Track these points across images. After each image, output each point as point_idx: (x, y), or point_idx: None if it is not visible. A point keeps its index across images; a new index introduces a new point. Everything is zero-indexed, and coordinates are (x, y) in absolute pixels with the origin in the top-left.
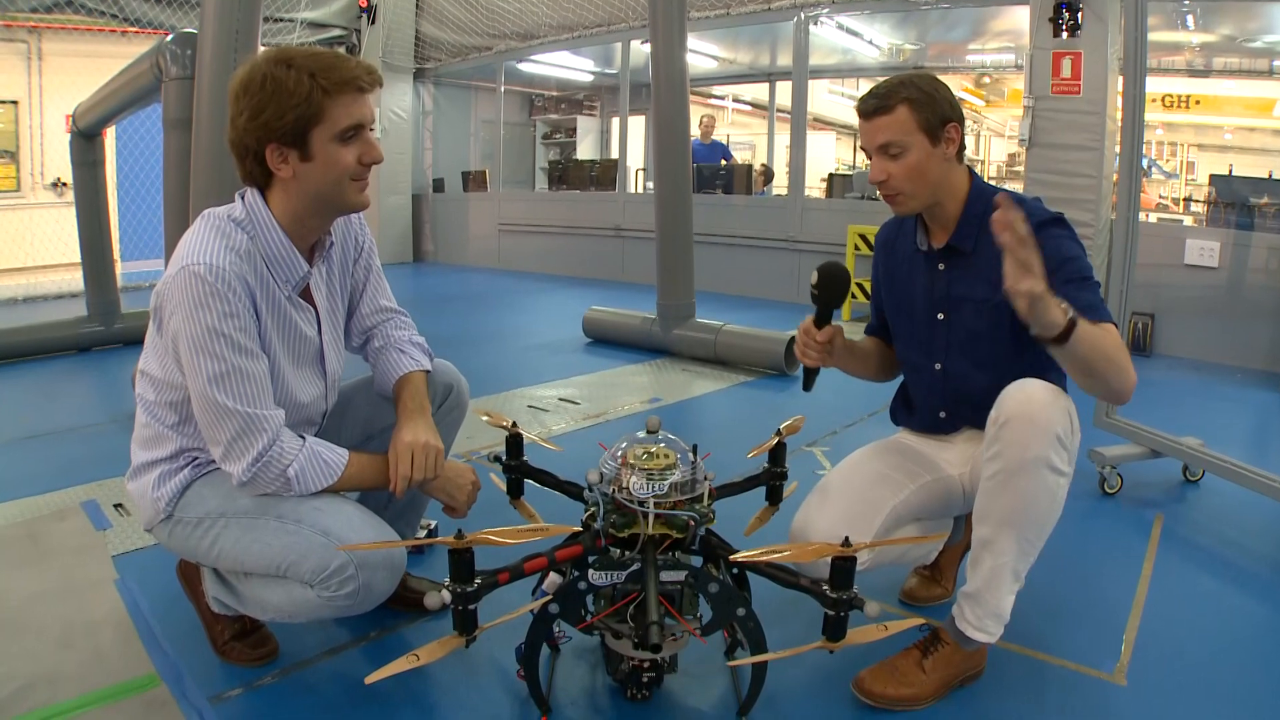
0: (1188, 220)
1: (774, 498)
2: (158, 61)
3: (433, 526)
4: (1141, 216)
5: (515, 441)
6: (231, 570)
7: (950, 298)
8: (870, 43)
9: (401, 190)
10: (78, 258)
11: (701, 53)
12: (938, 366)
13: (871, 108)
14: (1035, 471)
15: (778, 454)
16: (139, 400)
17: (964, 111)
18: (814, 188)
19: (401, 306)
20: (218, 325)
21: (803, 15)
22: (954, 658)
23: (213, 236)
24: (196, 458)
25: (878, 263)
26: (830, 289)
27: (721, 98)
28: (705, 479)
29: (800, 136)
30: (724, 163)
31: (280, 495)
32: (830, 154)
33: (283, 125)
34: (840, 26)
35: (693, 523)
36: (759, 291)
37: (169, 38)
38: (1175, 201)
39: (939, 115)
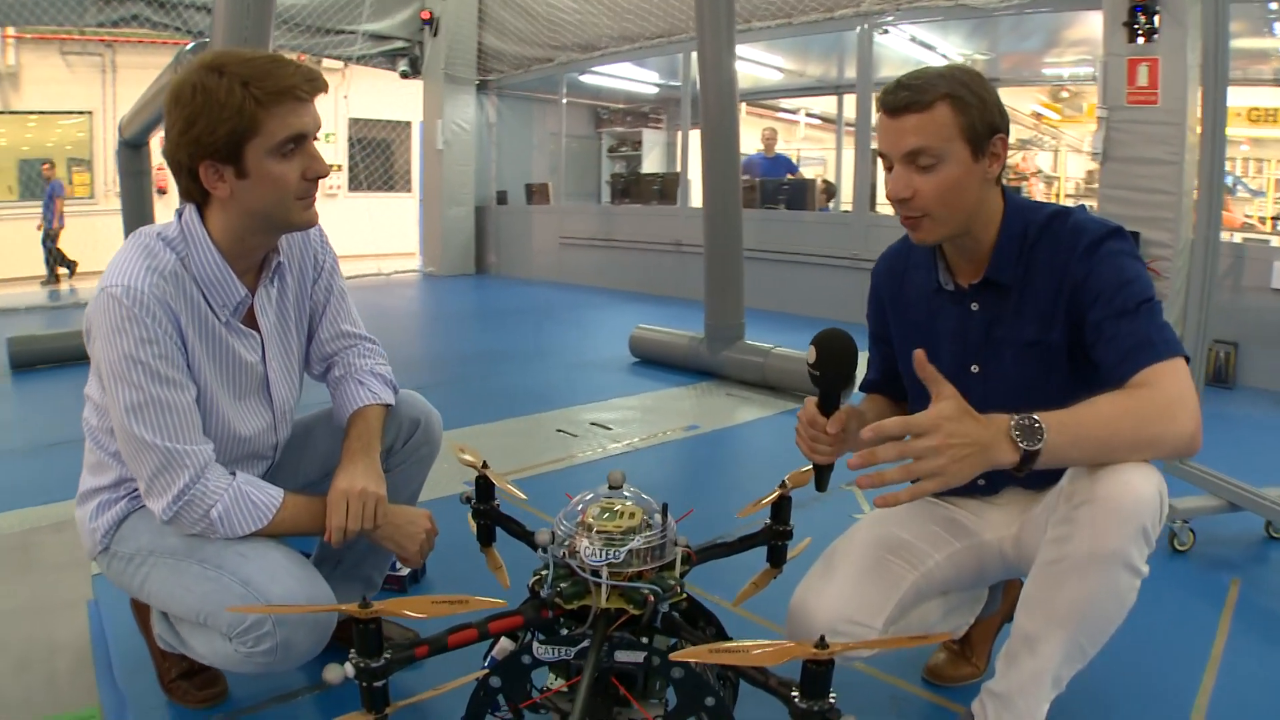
0: (1275, 241)
1: (776, 559)
2: (176, 71)
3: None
4: (1225, 236)
5: (485, 484)
6: (162, 611)
7: (989, 344)
8: (943, 56)
9: (464, 202)
10: None
11: (767, 64)
12: None
13: (902, 101)
14: (1108, 569)
15: (781, 509)
16: (84, 425)
17: (1010, 121)
18: (883, 204)
19: (464, 317)
20: (134, 352)
21: (866, 25)
22: None
23: (136, 257)
24: (136, 489)
25: (880, 303)
26: (834, 365)
27: (794, 112)
28: (677, 544)
29: (866, 151)
30: (789, 177)
31: (208, 536)
32: None
33: (214, 140)
34: (914, 39)
35: (652, 598)
36: (822, 311)
37: (188, 47)
38: (1262, 220)
39: (987, 122)
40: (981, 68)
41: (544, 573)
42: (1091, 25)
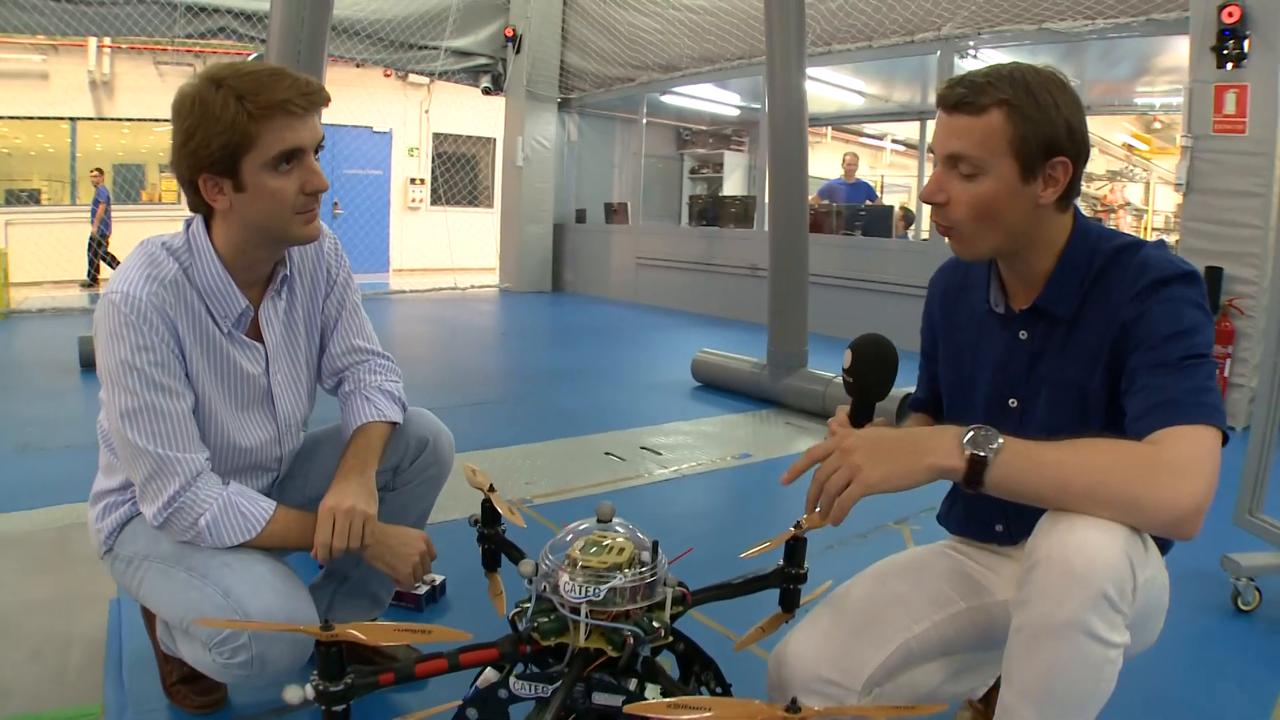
0: None
1: (789, 603)
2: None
3: (437, 582)
4: None
5: (490, 508)
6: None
7: (1031, 378)
8: None
9: (543, 220)
10: None
11: (848, 88)
12: None
13: (954, 99)
14: (1067, 640)
15: (795, 551)
16: (98, 428)
17: (1089, 141)
18: None
19: (534, 334)
20: (130, 358)
21: (946, 49)
22: None
23: (140, 265)
24: None
25: (932, 317)
26: (869, 373)
27: (879, 138)
28: (666, 583)
29: None
30: (867, 203)
31: (198, 544)
32: None
33: (210, 154)
34: None
35: (631, 640)
36: (896, 341)
37: (250, 58)
38: None
39: (1044, 139)
40: None
41: (525, 605)
42: (1183, 53)
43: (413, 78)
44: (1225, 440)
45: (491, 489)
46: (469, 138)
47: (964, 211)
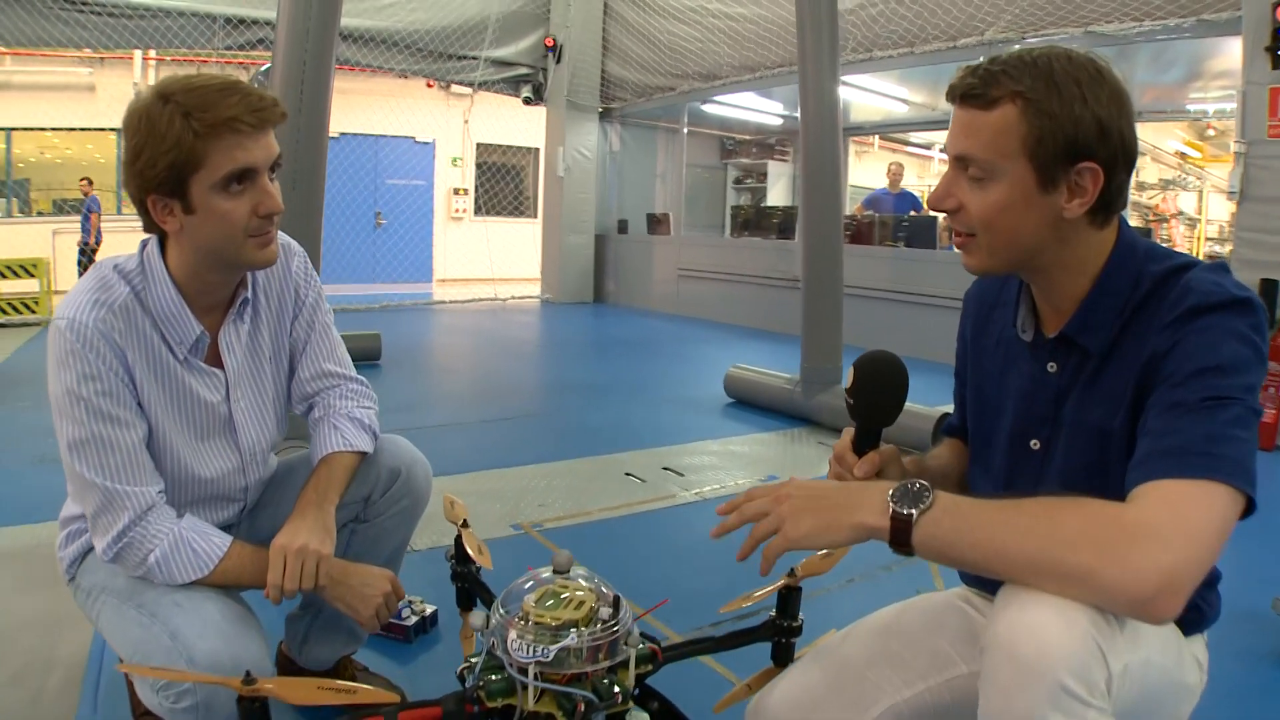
0: None
1: (782, 657)
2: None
3: (427, 613)
4: None
5: (463, 544)
6: None
7: (1058, 418)
8: None
9: (584, 230)
10: None
11: (892, 96)
12: None
13: (963, 89)
14: None
15: (789, 601)
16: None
17: (1131, 144)
18: None
19: (571, 347)
20: (76, 388)
21: (989, 54)
22: None
23: (90, 288)
24: None
25: (964, 334)
26: (872, 395)
27: (927, 147)
28: (629, 643)
29: None
30: (911, 214)
31: (150, 580)
32: None
33: (157, 174)
34: None
35: (582, 706)
36: (938, 355)
37: (263, 68)
38: None
39: (1066, 140)
40: None
41: (475, 660)
42: (1236, 55)
43: (455, 89)
44: (1251, 505)
45: (465, 524)
46: (512, 148)
47: (974, 221)
